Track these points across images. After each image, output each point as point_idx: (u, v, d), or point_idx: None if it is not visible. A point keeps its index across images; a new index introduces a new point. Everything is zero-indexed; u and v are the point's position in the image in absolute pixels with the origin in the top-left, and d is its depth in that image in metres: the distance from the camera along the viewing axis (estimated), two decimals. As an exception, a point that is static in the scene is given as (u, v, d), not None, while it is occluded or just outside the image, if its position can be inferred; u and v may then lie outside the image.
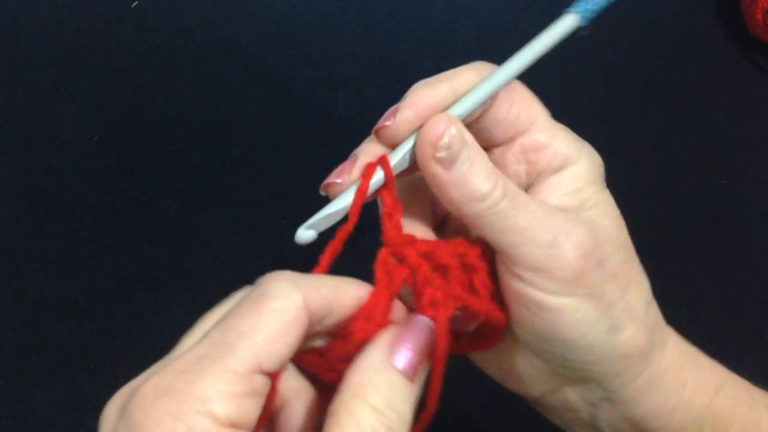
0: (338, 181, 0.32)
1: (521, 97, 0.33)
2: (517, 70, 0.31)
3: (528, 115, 0.32)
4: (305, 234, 0.31)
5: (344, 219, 0.31)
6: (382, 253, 0.30)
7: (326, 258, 0.30)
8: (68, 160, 0.57)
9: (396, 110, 0.31)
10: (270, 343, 0.25)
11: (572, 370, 0.32)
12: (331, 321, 0.28)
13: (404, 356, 0.27)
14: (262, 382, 0.25)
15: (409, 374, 0.27)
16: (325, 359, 0.28)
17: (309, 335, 0.27)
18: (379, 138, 0.32)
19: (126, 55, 0.60)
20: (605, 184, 0.33)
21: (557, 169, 0.32)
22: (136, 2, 0.61)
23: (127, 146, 0.58)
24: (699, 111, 0.63)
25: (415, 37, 0.62)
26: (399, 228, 0.31)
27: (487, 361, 0.35)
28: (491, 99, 0.31)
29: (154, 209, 0.56)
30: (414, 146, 0.30)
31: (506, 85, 0.31)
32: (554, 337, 0.30)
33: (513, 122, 0.32)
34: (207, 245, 0.56)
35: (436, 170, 0.29)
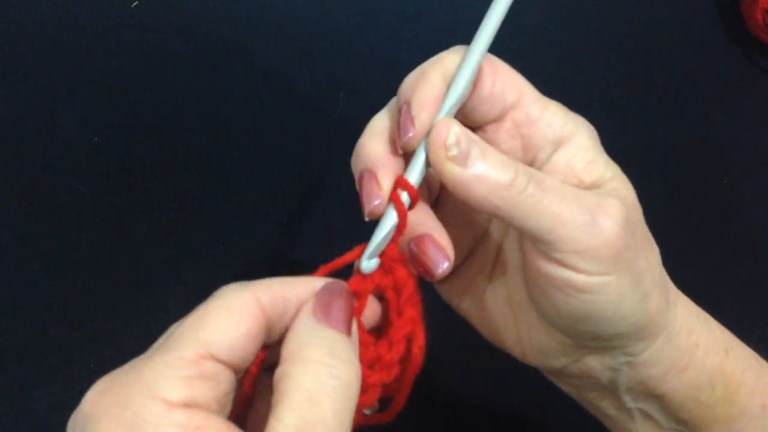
0: (377, 202, 0.31)
1: (504, 72, 0.32)
2: (488, 40, 0.32)
3: (514, 89, 0.32)
4: (370, 264, 0.31)
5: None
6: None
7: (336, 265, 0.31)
8: (68, 160, 0.57)
9: (410, 117, 0.30)
10: (218, 332, 0.25)
11: (600, 341, 0.32)
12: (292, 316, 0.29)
13: (332, 314, 0.27)
14: (214, 368, 0.25)
15: (342, 328, 0.27)
16: None
17: (279, 332, 0.28)
18: (406, 149, 0.31)
19: (126, 55, 0.60)
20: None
21: (556, 143, 0.32)
22: (136, 2, 0.61)
23: (127, 146, 0.58)
24: (699, 111, 0.63)
25: (415, 37, 0.62)
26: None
27: (507, 339, 0.35)
28: (476, 78, 0.31)
29: (154, 209, 0.56)
30: (425, 158, 0.30)
31: (483, 58, 0.31)
32: (593, 316, 0.30)
33: (499, 98, 0.32)
34: (207, 245, 0.56)
35: (454, 171, 0.29)
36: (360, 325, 0.30)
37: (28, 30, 0.60)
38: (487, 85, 0.32)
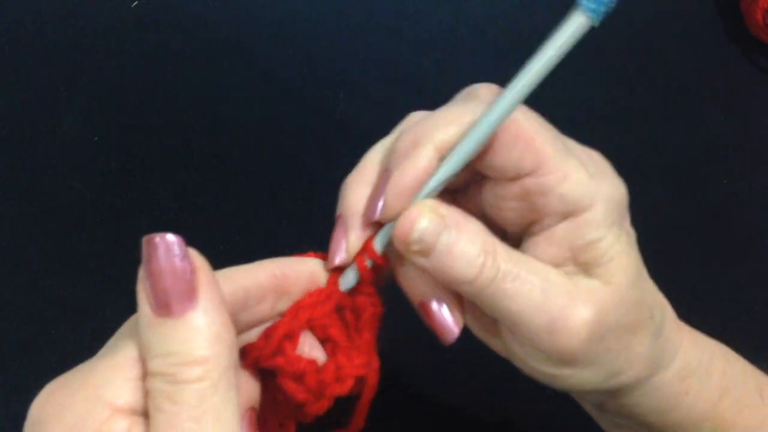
0: (337, 260, 0.30)
1: (523, 135, 0.28)
2: (504, 112, 0.27)
3: (532, 157, 0.28)
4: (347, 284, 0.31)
5: None
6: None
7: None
8: (68, 160, 0.57)
9: (381, 196, 0.29)
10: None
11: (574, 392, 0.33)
12: (259, 304, 0.28)
13: (161, 298, 0.25)
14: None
15: (178, 310, 0.24)
16: (269, 341, 0.28)
17: (247, 322, 0.28)
18: (381, 220, 0.29)
19: (126, 55, 0.60)
20: (627, 217, 0.31)
21: (565, 215, 0.28)
22: (136, 2, 0.61)
23: (127, 146, 0.58)
24: (699, 111, 0.63)
25: (415, 37, 0.62)
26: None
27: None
28: (484, 146, 0.28)
29: (154, 209, 0.56)
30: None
31: (494, 130, 0.28)
32: (555, 384, 0.31)
33: (514, 166, 0.28)
34: (207, 245, 0.56)
35: (417, 261, 0.28)
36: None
37: (28, 30, 0.60)
38: (500, 153, 0.28)
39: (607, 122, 0.61)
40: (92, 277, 0.55)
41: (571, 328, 0.27)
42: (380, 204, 0.29)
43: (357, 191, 0.30)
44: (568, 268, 0.29)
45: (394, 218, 0.28)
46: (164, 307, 0.24)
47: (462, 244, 0.27)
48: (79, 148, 0.57)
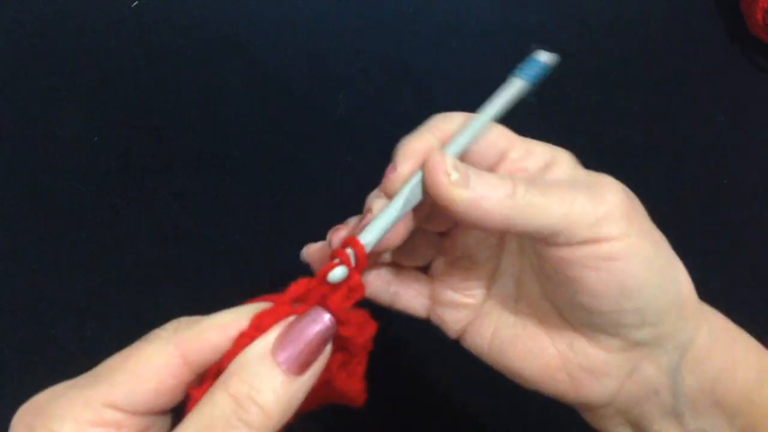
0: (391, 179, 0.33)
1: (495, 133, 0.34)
2: (492, 116, 0.34)
3: (503, 138, 0.34)
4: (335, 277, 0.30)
5: None
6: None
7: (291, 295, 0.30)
8: (68, 160, 0.57)
9: (393, 166, 0.32)
10: (127, 383, 0.26)
11: (648, 327, 0.32)
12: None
13: (289, 348, 0.26)
14: (114, 417, 0.26)
15: (292, 369, 0.26)
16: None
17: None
18: (385, 191, 0.32)
19: (126, 55, 0.60)
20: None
21: (544, 170, 0.34)
22: (136, 2, 0.61)
23: (127, 146, 0.58)
24: (699, 111, 0.63)
25: (415, 37, 0.62)
26: (348, 302, 0.30)
27: (553, 373, 0.34)
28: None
29: (154, 209, 0.56)
30: (392, 219, 0.31)
31: (484, 130, 0.33)
32: (629, 286, 0.30)
33: (493, 145, 0.34)
34: (207, 245, 0.56)
35: (462, 195, 0.29)
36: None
37: (28, 30, 0.60)
38: (480, 146, 0.33)
39: (606, 122, 0.61)
40: (92, 277, 0.55)
41: (609, 187, 0.31)
42: (393, 172, 0.31)
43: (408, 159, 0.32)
44: None
45: (403, 180, 0.31)
46: (295, 366, 0.26)
47: (486, 173, 0.31)
48: (79, 148, 0.57)
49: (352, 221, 0.35)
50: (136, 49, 0.60)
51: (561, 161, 0.34)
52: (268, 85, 0.60)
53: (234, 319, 0.28)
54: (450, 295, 0.36)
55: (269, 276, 0.53)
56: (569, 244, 0.30)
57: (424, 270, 0.38)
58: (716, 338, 0.33)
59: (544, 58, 0.37)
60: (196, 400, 0.26)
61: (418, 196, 0.31)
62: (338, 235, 0.33)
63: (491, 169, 0.34)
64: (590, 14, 0.64)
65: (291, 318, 0.28)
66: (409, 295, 0.37)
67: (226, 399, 0.25)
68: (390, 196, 0.31)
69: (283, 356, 0.26)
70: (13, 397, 0.53)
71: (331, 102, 0.60)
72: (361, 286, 0.30)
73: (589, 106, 0.62)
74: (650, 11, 0.65)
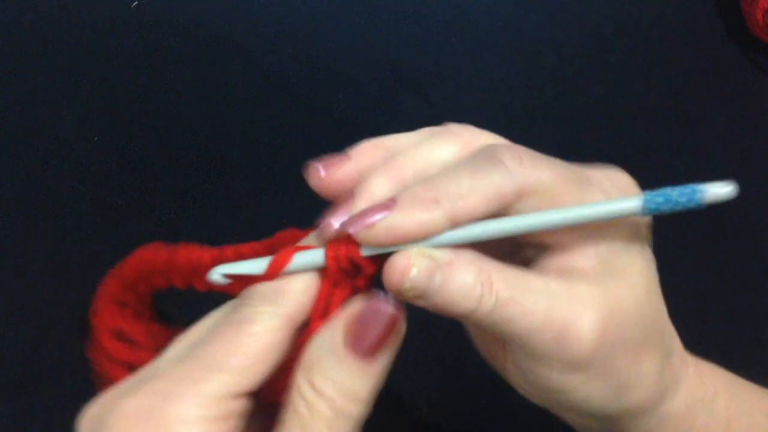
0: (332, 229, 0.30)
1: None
2: (536, 227, 0.28)
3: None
4: (215, 277, 0.29)
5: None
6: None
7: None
8: (68, 160, 0.57)
9: (372, 218, 0.27)
10: (249, 368, 0.25)
11: (577, 416, 0.32)
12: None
13: (363, 344, 0.26)
14: (237, 405, 0.25)
15: (366, 355, 0.26)
16: (292, 373, 0.27)
17: None
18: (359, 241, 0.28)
19: (126, 55, 0.60)
20: (648, 240, 0.31)
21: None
22: (136, 2, 0.61)
23: (127, 146, 0.58)
24: (699, 111, 0.63)
25: (415, 37, 0.62)
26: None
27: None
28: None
29: (154, 209, 0.56)
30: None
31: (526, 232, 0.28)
32: (559, 404, 0.30)
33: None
34: (207, 245, 0.56)
35: (414, 302, 0.28)
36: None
37: (28, 30, 0.60)
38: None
39: (606, 122, 0.61)
40: (92, 277, 0.55)
41: (578, 333, 0.27)
42: (363, 226, 0.27)
43: (379, 185, 0.29)
44: (581, 273, 0.29)
45: (368, 244, 0.28)
46: (361, 349, 0.26)
47: (455, 281, 0.27)
48: (79, 148, 0.57)
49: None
50: (136, 49, 0.60)
51: (618, 230, 0.29)
52: (268, 85, 0.60)
53: (312, 278, 0.28)
54: None
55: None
56: (514, 352, 0.30)
57: None
58: (662, 424, 0.32)
59: (712, 194, 0.27)
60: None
61: None
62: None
63: None
64: (590, 14, 0.64)
65: (357, 302, 0.27)
66: None
67: (319, 400, 0.25)
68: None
69: (358, 344, 0.26)
70: (13, 397, 0.53)
71: (331, 102, 0.60)
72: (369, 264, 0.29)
73: (589, 106, 0.62)
74: (650, 11, 0.65)
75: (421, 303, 0.28)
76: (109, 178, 0.57)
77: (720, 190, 0.27)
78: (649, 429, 0.32)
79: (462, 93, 0.60)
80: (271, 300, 0.27)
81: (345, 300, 0.28)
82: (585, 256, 0.29)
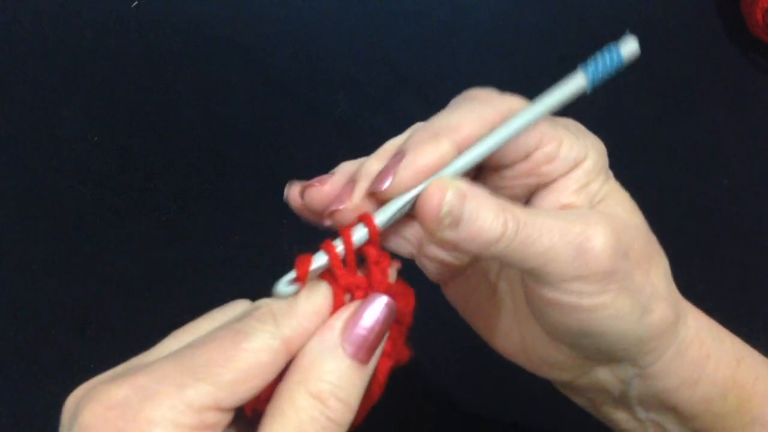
0: (341, 207, 0.30)
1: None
2: (518, 128, 0.31)
3: (536, 134, 0.32)
4: (287, 289, 0.29)
5: None
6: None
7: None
8: (68, 160, 0.57)
9: (392, 170, 0.29)
10: (234, 383, 0.25)
11: (606, 354, 0.32)
12: None
13: (357, 337, 0.27)
14: (214, 418, 0.25)
15: (361, 357, 0.26)
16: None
17: None
18: (377, 196, 0.30)
19: (126, 55, 0.60)
20: (610, 171, 0.34)
21: (567, 172, 0.32)
22: (136, 2, 0.61)
23: (127, 146, 0.58)
24: (699, 111, 0.63)
25: (415, 37, 0.62)
26: (385, 274, 0.30)
27: (514, 350, 0.35)
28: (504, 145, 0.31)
29: (154, 209, 0.56)
30: (408, 204, 0.29)
31: (509, 141, 0.31)
32: (591, 333, 0.31)
33: (525, 149, 0.32)
34: (207, 245, 0.56)
35: (445, 236, 0.29)
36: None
37: (28, 30, 0.60)
38: (516, 147, 0.31)
39: (606, 122, 0.61)
40: (92, 277, 0.55)
41: (597, 245, 0.29)
42: (389, 179, 0.29)
43: (373, 165, 0.31)
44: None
45: (398, 193, 0.29)
46: (362, 355, 0.27)
47: (484, 209, 0.29)
48: (79, 148, 0.57)
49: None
50: (136, 49, 0.60)
51: (585, 165, 0.32)
52: (268, 85, 0.60)
53: (324, 304, 0.28)
54: (435, 251, 0.35)
55: (269, 276, 0.53)
56: (541, 284, 0.30)
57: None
58: (683, 354, 0.33)
59: (628, 49, 0.34)
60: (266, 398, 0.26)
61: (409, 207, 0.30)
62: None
63: (513, 163, 0.32)
64: (589, 14, 0.64)
65: (351, 306, 0.28)
66: (395, 242, 0.35)
67: (309, 400, 0.25)
68: (382, 202, 0.30)
69: (353, 347, 0.26)
70: (13, 398, 0.53)
71: (331, 102, 0.60)
72: (386, 256, 0.30)
73: (589, 106, 0.61)
74: (650, 11, 0.65)
75: (451, 236, 0.28)
76: (109, 178, 0.57)
77: (629, 44, 0.34)
78: (669, 365, 0.33)
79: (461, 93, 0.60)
80: (276, 320, 0.27)
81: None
82: (569, 193, 0.32)
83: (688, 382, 0.33)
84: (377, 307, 0.28)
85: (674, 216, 0.59)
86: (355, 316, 0.27)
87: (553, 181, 0.32)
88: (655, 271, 0.32)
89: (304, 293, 0.28)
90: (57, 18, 0.60)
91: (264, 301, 0.28)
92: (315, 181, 0.33)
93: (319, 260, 0.29)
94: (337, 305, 0.28)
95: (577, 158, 0.32)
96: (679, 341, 0.33)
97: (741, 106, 0.63)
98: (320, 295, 0.28)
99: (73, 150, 0.57)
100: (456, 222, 0.28)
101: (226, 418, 0.25)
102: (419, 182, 0.29)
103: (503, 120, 0.31)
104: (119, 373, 0.26)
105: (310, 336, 0.27)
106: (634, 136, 0.61)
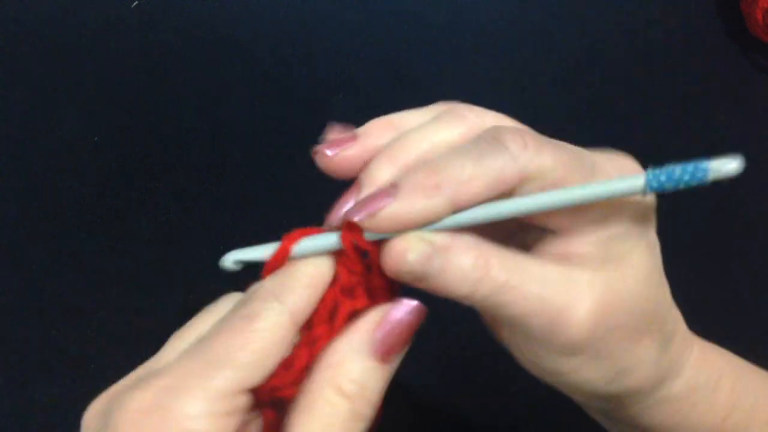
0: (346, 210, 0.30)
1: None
2: (540, 207, 0.27)
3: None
4: (230, 265, 0.29)
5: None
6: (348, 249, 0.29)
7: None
8: (68, 160, 0.57)
9: (374, 208, 0.27)
10: (255, 364, 0.25)
11: (578, 395, 0.32)
12: None
13: (384, 340, 0.27)
14: (242, 400, 0.25)
15: (386, 359, 0.27)
16: (290, 371, 0.27)
17: None
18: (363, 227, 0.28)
19: (126, 55, 0.60)
20: (653, 225, 0.31)
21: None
22: (136, 2, 0.61)
23: (127, 146, 0.58)
24: (699, 111, 0.63)
25: (415, 37, 0.62)
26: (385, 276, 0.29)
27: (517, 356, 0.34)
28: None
29: (154, 209, 0.56)
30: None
31: (532, 213, 0.27)
32: (558, 384, 0.30)
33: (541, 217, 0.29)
34: (207, 245, 0.56)
35: (412, 284, 0.27)
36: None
37: (28, 30, 0.60)
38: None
39: (607, 122, 0.61)
40: (92, 277, 0.55)
41: (572, 319, 0.27)
42: (364, 214, 0.27)
43: (382, 171, 0.29)
44: (582, 258, 0.29)
45: (374, 232, 0.28)
46: (388, 356, 0.27)
47: (453, 265, 0.27)
48: (79, 148, 0.57)
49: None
50: (136, 49, 0.60)
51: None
52: (268, 85, 0.60)
53: (318, 272, 0.28)
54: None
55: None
56: (511, 334, 0.30)
57: None
58: (668, 401, 0.32)
59: (716, 171, 0.27)
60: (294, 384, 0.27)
61: None
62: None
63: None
64: (590, 14, 0.64)
65: (380, 309, 0.28)
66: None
67: (337, 397, 0.26)
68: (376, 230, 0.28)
69: (379, 349, 0.27)
70: (13, 397, 0.53)
71: (331, 102, 0.60)
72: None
73: (589, 106, 0.62)
74: (650, 11, 0.65)
75: (420, 285, 0.28)
76: (109, 178, 0.57)
77: (725, 166, 0.27)
78: (648, 408, 0.32)
79: (462, 93, 0.59)
80: (278, 296, 0.27)
81: (351, 308, 0.28)
82: (586, 241, 0.29)
83: (666, 424, 0.33)
84: (405, 312, 0.28)
85: (674, 216, 0.59)
86: (384, 320, 0.27)
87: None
88: (646, 343, 0.30)
89: (297, 266, 0.29)
90: (57, 18, 0.60)
91: (258, 285, 0.29)
92: (336, 143, 0.33)
93: (319, 242, 0.29)
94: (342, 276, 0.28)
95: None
96: (662, 394, 0.32)
97: (741, 106, 0.63)
98: (311, 265, 0.29)
99: (73, 150, 0.57)
100: (418, 279, 0.27)
101: (251, 398, 0.26)
102: (396, 231, 0.27)
103: (522, 184, 0.27)
104: (135, 380, 0.26)
105: (312, 304, 0.27)
106: (634, 135, 0.61)
